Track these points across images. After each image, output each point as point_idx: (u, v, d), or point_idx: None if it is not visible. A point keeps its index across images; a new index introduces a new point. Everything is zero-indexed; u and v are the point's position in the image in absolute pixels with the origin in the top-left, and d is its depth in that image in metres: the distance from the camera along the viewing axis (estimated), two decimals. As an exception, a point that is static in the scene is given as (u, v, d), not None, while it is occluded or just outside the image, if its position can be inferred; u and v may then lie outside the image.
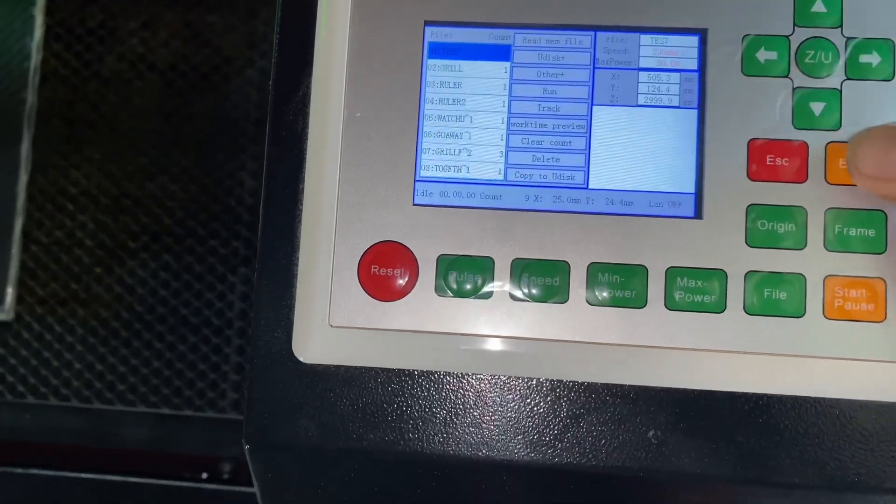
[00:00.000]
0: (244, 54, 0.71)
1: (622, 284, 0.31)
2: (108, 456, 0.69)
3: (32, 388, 0.69)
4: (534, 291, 0.32)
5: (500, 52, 0.33)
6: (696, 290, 0.31)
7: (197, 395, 0.68)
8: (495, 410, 0.32)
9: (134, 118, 0.71)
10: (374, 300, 0.32)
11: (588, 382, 0.31)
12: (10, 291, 0.71)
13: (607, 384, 0.31)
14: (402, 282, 0.32)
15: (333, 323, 0.32)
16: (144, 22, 0.72)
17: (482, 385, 0.32)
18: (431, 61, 0.33)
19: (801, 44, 0.32)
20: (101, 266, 0.70)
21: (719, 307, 0.31)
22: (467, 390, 0.32)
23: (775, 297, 0.31)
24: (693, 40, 0.33)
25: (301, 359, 0.32)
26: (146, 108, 0.71)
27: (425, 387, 0.32)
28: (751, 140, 0.32)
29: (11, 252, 0.71)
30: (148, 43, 0.71)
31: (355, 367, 0.32)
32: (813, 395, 0.31)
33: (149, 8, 0.72)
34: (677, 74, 0.33)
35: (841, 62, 0.32)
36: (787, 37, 0.32)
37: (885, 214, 0.31)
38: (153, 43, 0.71)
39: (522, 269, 0.32)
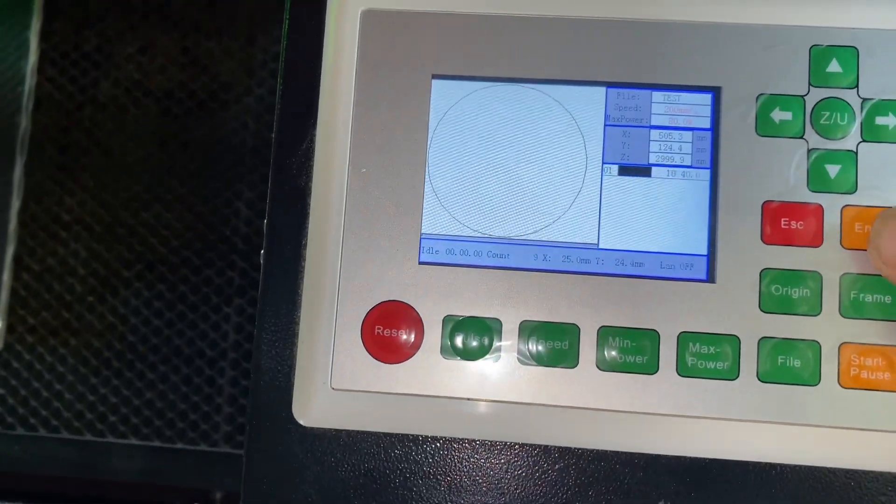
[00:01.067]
0: (242, 81, 0.70)
1: (633, 349, 0.31)
2: (98, 488, 0.68)
3: (22, 418, 0.68)
4: (542, 355, 0.31)
5: (509, 108, 0.32)
6: (709, 356, 0.30)
7: (190, 428, 0.67)
8: (502, 477, 0.31)
9: (129, 145, 0.70)
10: (377, 362, 0.31)
11: (597, 450, 0.31)
12: None
13: (617, 452, 0.31)
14: (406, 343, 0.31)
15: (335, 385, 0.31)
16: (141, 47, 0.71)
17: (488, 451, 0.31)
18: (438, 116, 0.33)
19: (816, 104, 0.31)
20: (94, 295, 0.68)
21: (732, 374, 0.30)
22: (473, 457, 0.31)
23: (789, 365, 0.30)
24: (706, 98, 0.32)
25: (301, 422, 0.31)
26: (142, 135, 0.70)
27: (430, 453, 0.31)
28: (765, 202, 0.31)
29: (2, 279, 0.70)
30: (144, 68, 0.70)
31: (357, 432, 0.31)
32: (827, 465, 0.30)
33: (146, 33, 0.71)
34: (690, 133, 0.32)
35: (857, 124, 0.31)
36: (802, 97, 0.31)
37: (902, 280, 0.30)
38: (150, 68, 0.70)
39: (530, 332, 0.31)
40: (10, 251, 0.70)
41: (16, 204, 0.70)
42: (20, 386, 0.68)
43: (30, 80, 0.71)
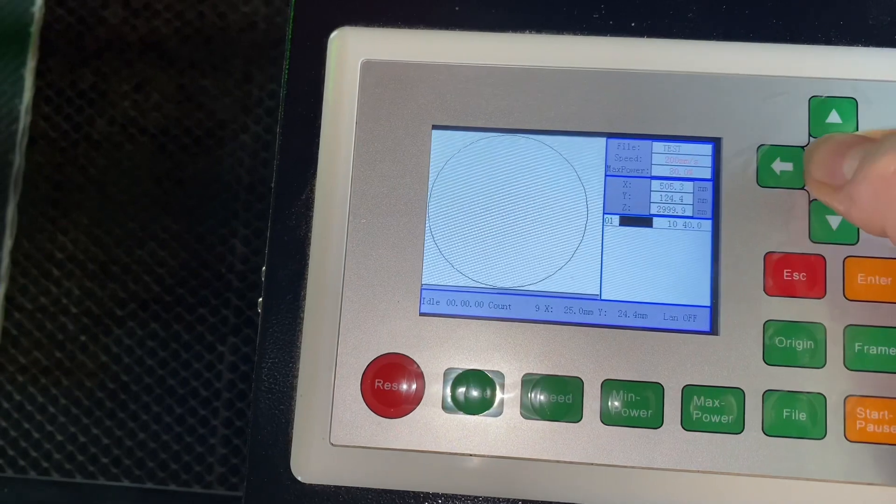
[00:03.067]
0: (238, 119, 0.70)
1: (637, 403, 0.30)
2: (88, 532, 0.66)
3: (11, 460, 0.67)
4: (546, 409, 0.30)
5: (509, 158, 0.32)
6: (713, 409, 0.30)
7: (183, 469, 0.66)
8: (505, 535, 0.30)
9: (124, 182, 0.69)
10: (377, 417, 0.31)
11: (602, 506, 0.30)
12: (-10, 360, 0.69)
13: (622, 508, 0.30)
14: (407, 397, 0.31)
15: (335, 441, 0.31)
16: (137, 84, 0.71)
17: (491, 508, 0.30)
18: (439, 166, 0.32)
19: (816, 155, 0.31)
20: (87, 334, 0.68)
21: (737, 427, 0.30)
22: (475, 513, 0.30)
23: (795, 418, 0.30)
24: (707, 149, 0.32)
25: (300, 478, 0.31)
26: (136, 173, 0.70)
27: (431, 510, 0.30)
28: (767, 253, 0.31)
29: (-7, 318, 0.69)
30: (140, 106, 0.70)
31: (357, 488, 0.31)
32: (835, 520, 0.30)
33: (141, 70, 0.71)
34: (691, 183, 0.32)
35: (857, 174, 0.31)
36: (802, 147, 0.31)
37: (906, 331, 0.30)
38: (145, 106, 0.70)
39: (533, 386, 0.31)
40: (1, 290, 0.69)
41: (8, 242, 0.70)
42: (10, 427, 0.67)
43: (24, 118, 0.71)
